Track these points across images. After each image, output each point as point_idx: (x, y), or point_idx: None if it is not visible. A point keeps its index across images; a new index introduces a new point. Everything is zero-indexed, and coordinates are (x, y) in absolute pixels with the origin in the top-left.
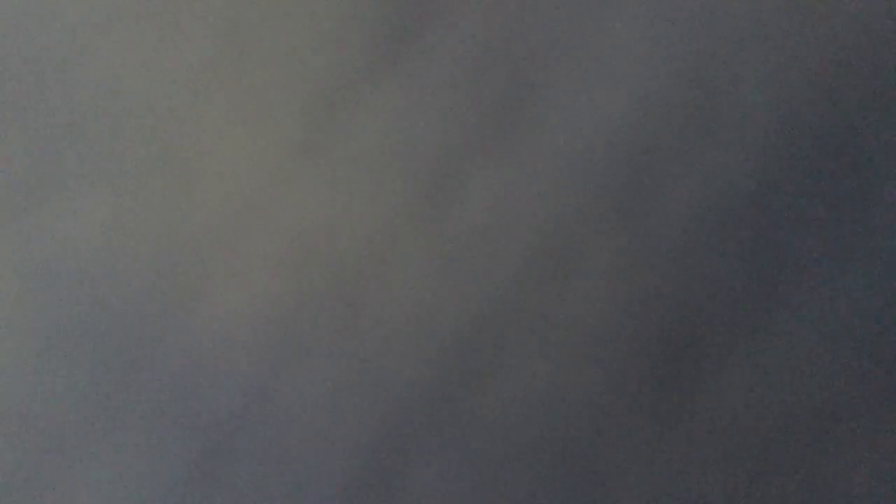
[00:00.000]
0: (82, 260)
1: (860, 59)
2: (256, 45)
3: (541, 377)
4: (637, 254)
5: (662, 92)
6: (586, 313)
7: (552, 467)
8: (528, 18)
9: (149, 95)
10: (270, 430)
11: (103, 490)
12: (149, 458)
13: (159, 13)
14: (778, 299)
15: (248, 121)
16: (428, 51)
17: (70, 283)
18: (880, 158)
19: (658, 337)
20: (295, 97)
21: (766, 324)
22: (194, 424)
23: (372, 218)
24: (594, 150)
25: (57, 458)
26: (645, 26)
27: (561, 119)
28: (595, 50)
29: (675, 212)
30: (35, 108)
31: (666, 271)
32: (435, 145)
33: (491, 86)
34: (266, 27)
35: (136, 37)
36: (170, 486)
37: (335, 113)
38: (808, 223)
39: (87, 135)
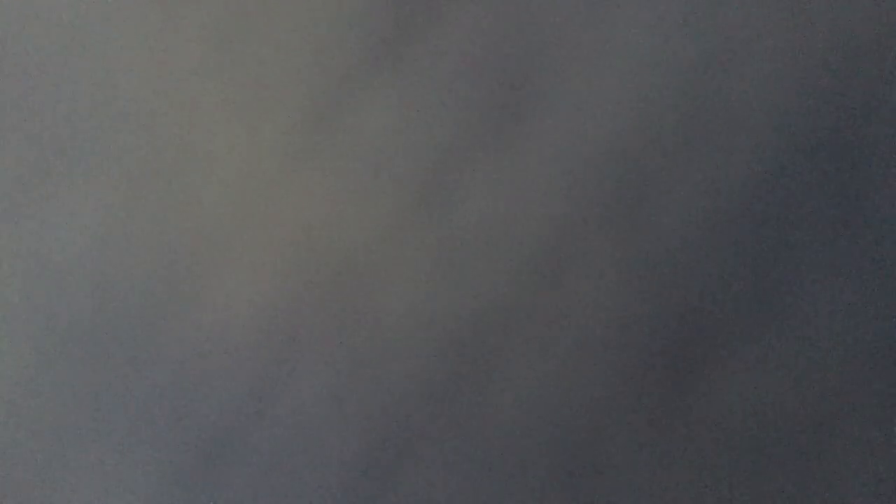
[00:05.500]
0: (82, 260)
1: (860, 58)
2: (255, 45)
3: (540, 377)
4: (636, 254)
5: (662, 92)
6: (586, 313)
7: (552, 467)
8: (528, 18)
9: (147, 95)
10: (270, 429)
11: (102, 489)
12: (148, 458)
13: (158, 13)
14: (778, 299)
15: (247, 120)
16: (428, 51)
17: (69, 283)
18: (880, 158)
19: (658, 336)
20: (294, 97)
21: (767, 323)
22: (193, 424)
23: (371, 217)
24: (594, 150)
25: (56, 457)
26: (644, 26)
27: (561, 119)
28: (595, 50)
29: (674, 212)
30: (35, 108)
31: (666, 271)
32: (434, 145)
33: (491, 86)
34: (265, 27)
35: (135, 36)
36: (169, 486)
37: (334, 113)
38: (808, 223)
39: (86, 134)
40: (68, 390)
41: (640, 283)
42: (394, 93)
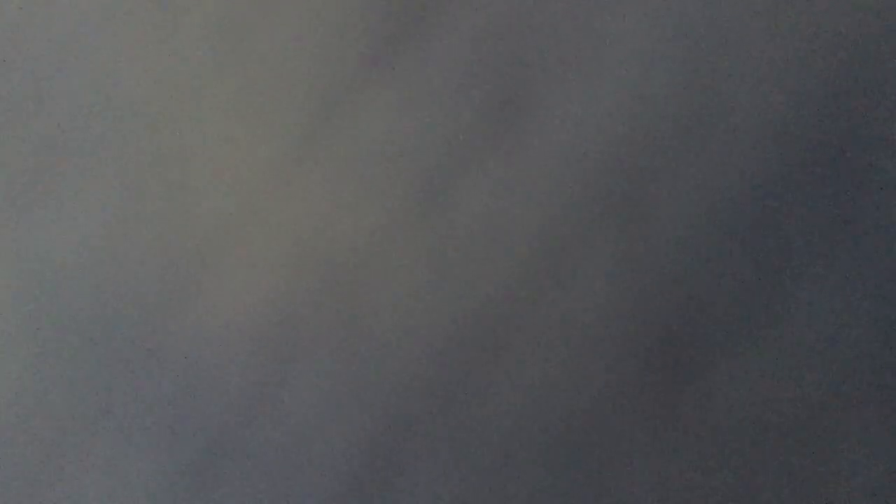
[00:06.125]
0: (82, 259)
1: (860, 59)
2: (256, 45)
3: (540, 377)
4: (636, 254)
5: (661, 92)
6: (585, 313)
7: (551, 467)
8: (527, 19)
9: (148, 96)
10: (269, 429)
11: (102, 490)
12: (148, 458)
13: (159, 14)
14: (777, 299)
15: (247, 121)
16: (427, 51)
17: (70, 283)
18: (880, 159)
19: (657, 337)
20: (294, 97)
21: (766, 323)
22: (193, 424)
23: (371, 218)
24: (593, 151)
25: (56, 457)
26: (644, 26)
27: (559, 119)
28: (593, 50)
29: (673, 212)
30: (35, 108)
31: (664, 271)
32: (434, 145)
33: (489, 86)
34: (265, 28)
35: (136, 37)
36: (169, 486)
37: (334, 113)
38: (807, 223)
39: (87, 135)
40: (68, 390)
41: (640, 283)
42: (394, 93)
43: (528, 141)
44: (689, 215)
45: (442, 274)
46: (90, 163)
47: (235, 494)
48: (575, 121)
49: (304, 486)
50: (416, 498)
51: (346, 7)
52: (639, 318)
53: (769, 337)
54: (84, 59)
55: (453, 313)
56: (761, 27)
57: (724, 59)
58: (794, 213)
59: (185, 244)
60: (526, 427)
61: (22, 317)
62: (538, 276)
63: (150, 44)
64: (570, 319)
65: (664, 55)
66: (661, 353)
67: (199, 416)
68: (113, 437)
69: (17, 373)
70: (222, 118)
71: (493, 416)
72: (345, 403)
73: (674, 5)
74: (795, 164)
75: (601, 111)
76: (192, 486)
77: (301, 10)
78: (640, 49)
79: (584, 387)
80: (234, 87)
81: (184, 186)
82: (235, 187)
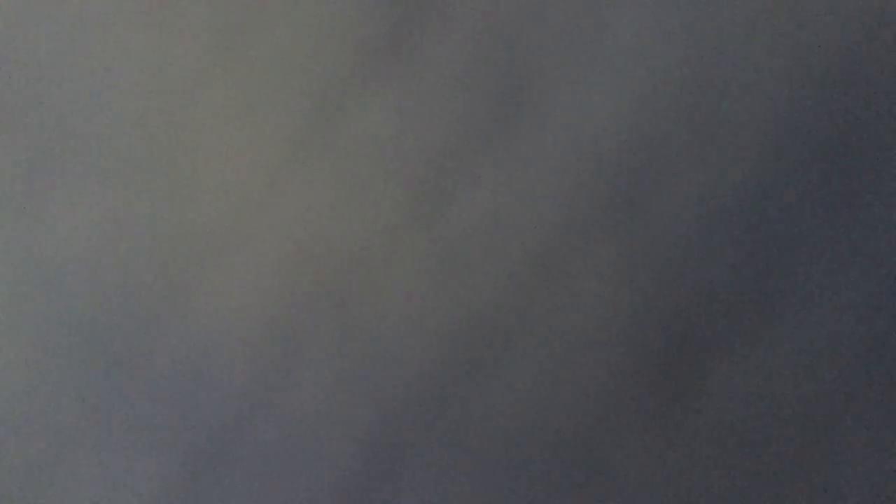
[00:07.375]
0: (81, 259)
1: (860, 59)
2: (255, 44)
3: (540, 377)
4: (636, 254)
5: (662, 92)
6: (585, 314)
7: (551, 467)
8: (528, 18)
9: (148, 95)
10: (268, 430)
11: (102, 489)
12: (146, 459)
13: (158, 13)
14: (778, 300)
15: (247, 120)
16: (428, 51)
17: (69, 283)
18: (879, 158)
19: (658, 338)
20: (294, 97)
21: (766, 324)
22: (192, 424)
23: (371, 218)
24: (594, 151)
25: (56, 457)
26: (645, 26)
27: (561, 119)
28: (595, 50)
29: (674, 212)
30: (35, 108)
31: (665, 272)
32: (434, 145)
33: (491, 86)
34: (265, 26)
35: (135, 36)
36: (169, 485)
37: (334, 112)
38: (807, 224)
39: (87, 134)
40: (68, 390)
41: (640, 283)
42: (394, 93)
43: (529, 141)
44: (690, 216)
45: (442, 274)
46: (89, 163)
47: (235, 494)
48: (575, 121)
49: (304, 486)
50: (417, 497)
51: (345, 7)
52: (639, 318)
53: (769, 337)
54: (83, 59)
55: (454, 313)
56: (762, 27)
57: (724, 59)
58: (794, 214)
59: (184, 244)
60: (526, 427)
61: (21, 317)
62: (539, 277)
63: (149, 43)
64: (570, 320)
65: (665, 55)
66: (661, 354)
67: (198, 417)
68: (112, 438)
69: (16, 373)
70: (222, 118)
71: (493, 416)
72: (345, 403)
73: (674, 5)
74: (797, 165)
75: (602, 111)
76: (192, 486)
77: (301, 9)
78: (641, 49)
79: (584, 387)
80: (233, 87)
81: (183, 187)
82: (235, 188)
